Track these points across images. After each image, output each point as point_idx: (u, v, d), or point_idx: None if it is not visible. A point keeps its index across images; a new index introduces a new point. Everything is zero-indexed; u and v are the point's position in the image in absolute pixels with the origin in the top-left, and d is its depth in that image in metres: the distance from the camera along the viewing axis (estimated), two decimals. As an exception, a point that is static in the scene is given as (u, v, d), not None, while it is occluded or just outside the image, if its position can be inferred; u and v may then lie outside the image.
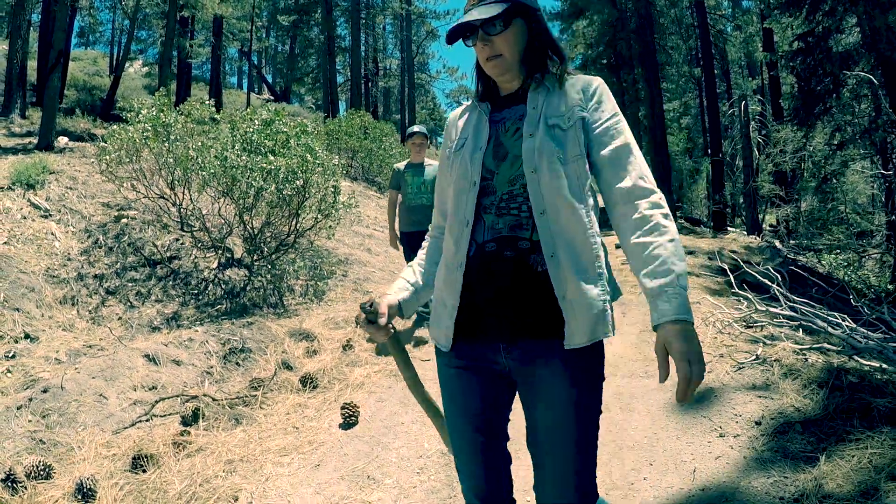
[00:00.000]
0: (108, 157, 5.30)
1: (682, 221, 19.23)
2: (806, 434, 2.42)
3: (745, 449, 2.37)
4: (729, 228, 17.62)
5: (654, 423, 2.75)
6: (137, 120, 5.24)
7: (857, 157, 12.23)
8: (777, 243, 12.37)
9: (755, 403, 2.69)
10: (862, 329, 3.24)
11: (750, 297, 3.88)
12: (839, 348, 2.97)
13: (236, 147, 5.02)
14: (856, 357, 2.87)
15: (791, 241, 12.67)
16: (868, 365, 2.82)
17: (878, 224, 12.03)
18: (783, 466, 2.21)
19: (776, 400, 2.70)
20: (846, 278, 10.94)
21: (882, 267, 11.53)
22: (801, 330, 3.51)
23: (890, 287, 10.60)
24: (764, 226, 16.36)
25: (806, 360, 3.08)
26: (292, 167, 5.03)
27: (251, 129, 5.05)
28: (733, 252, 9.18)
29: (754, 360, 3.18)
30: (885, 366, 2.71)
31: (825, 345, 3.09)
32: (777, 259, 8.83)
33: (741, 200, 15.52)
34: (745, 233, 14.42)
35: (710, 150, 17.84)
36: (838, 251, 12.03)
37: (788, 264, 8.75)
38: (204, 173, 4.89)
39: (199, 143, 4.87)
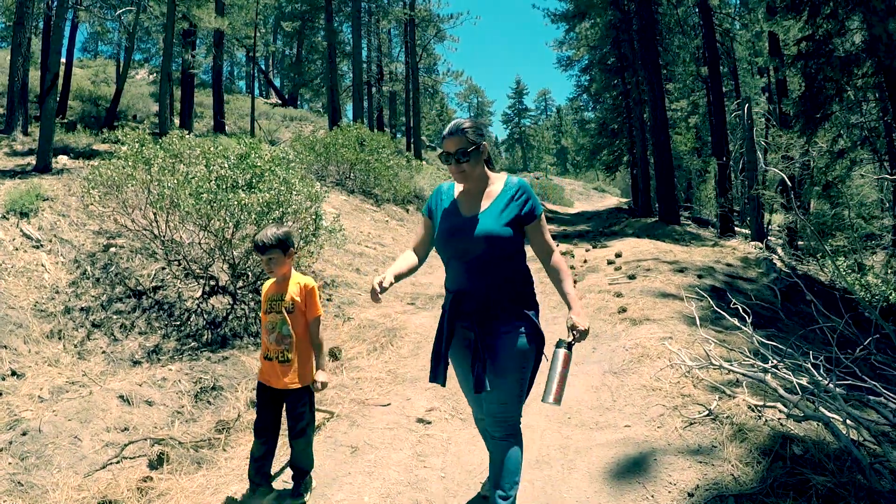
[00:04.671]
0: (92, 191, 5.40)
1: (689, 223, 19.02)
2: (737, 508, 2.40)
3: (672, 525, 2.36)
4: (736, 230, 17.38)
5: (591, 484, 2.75)
6: (118, 156, 5.34)
7: (863, 160, 11.98)
8: (779, 250, 12.17)
9: (694, 470, 2.67)
10: (824, 384, 3.18)
11: (711, 342, 3.84)
12: (788, 410, 2.94)
13: (212, 182, 5.08)
14: (804, 422, 2.84)
15: (792, 250, 12.44)
16: (816, 432, 2.78)
17: (885, 227, 11.78)
18: (704, 549, 2.20)
19: (716, 467, 2.68)
20: (850, 286, 10.72)
21: (888, 271, 11.28)
22: (760, 381, 3.47)
23: (894, 296, 10.37)
24: (772, 226, 16.10)
25: (759, 417, 3.05)
26: (267, 201, 5.08)
27: (226, 165, 5.10)
28: (729, 265, 9.06)
29: (707, 415, 3.15)
30: (830, 436, 2.67)
31: (778, 404, 3.05)
32: (772, 274, 8.69)
33: (746, 203, 15.29)
34: (749, 238, 14.20)
35: (716, 151, 17.57)
36: (843, 257, 11.80)
37: (784, 279, 8.61)
38: (180, 210, 4.97)
39: (176, 181, 4.93)
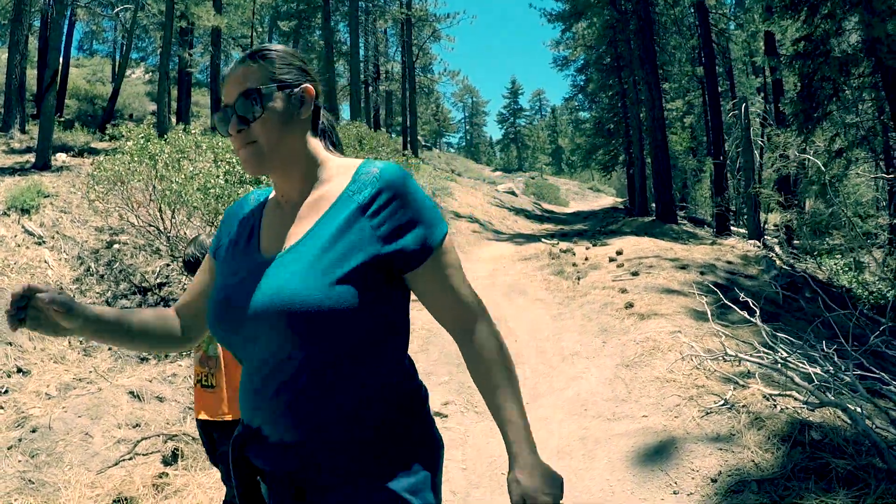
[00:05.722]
0: (96, 188, 5.38)
1: (686, 223, 19.14)
2: (761, 494, 2.42)
3: (697, 511, 2.39)
4: (733, 229, 17.53)
5: (613, 473, 2.77)
6: (123, 151, 5.32)
7: (859, 160, 12.12)
8: (777, 248, 12.27)
9: (715, 457, 2.70)
10: (836, 373, 3.22)
11: (722, 335, 3.87)
12: (804, 398, 2.97)
13: (219, 177, 5.07)
14: (821, 409, 2.87)
15: (790, 249, 12.56)
16: (833, 418, 2.82)
17: (881, 225, 11.93)
18: (731, 533, 2.22)
19: (736, 454, 2.70)
20: (847, 283, 10.86)
21: (884, 269, 11.42)
22: (775, 370, 3.50)
23: (891, 294, 10.50)
24: (768, 225, 16.26)
25: (775, 406, 3.08)
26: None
27: (234, 160, 5.09)
28: (729, 263, 9.12)
29: (722, 404, 3.18)
30: (846, 423, 2.71)
31: (794, 392, 3.09)
32: (773, 271, 8.77)
33: (743, 202, 15.43)
34: (746, 236, 14.32)
35: (712, 151, 17.71)
36: (840, 256, 11.93)
37: (785, 275, 8.69)
38: (188, 205, 4.95)
39: (183, 176, 4.92)
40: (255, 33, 21.54)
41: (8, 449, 3.83)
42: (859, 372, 3.29)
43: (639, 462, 2.81)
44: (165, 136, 5.58)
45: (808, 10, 10.37)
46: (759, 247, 11.31)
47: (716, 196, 16.92)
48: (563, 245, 11.34)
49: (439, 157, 33.32)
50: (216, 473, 3.60)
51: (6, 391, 4.56)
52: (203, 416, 2.31)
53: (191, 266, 2.38)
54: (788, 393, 3.11)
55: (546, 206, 27.81)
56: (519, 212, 21.69)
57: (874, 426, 2.82)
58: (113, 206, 5.66)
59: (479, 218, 16.70)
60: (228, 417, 2.27)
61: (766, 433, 2.80)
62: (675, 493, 2.53)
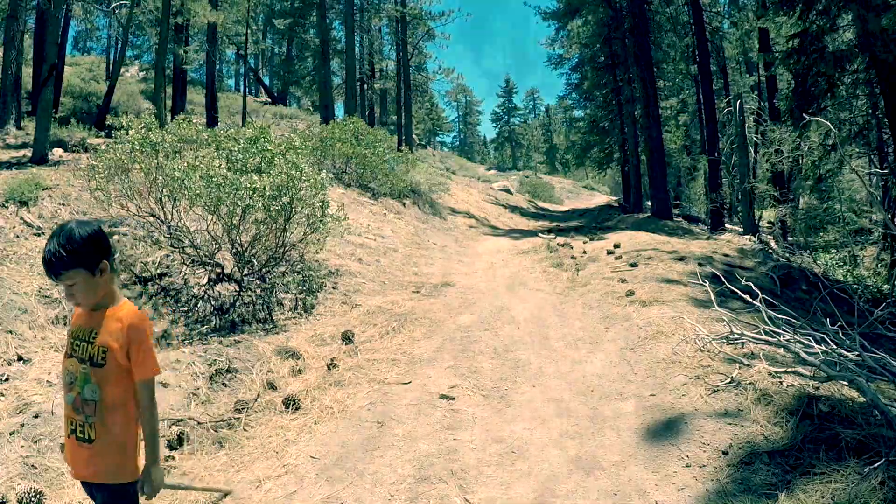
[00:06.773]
0: (98, 176, 5.35)
1: (681, 220, 19.23)
2: (772, 465, 2.45)
3: (709, 481, 2.41)
4: (727, 226, 17.62)
5: (625, 448, 2.79)
6: (125, 140, 5.29)
7: (853, 155, 12.22)
8: (772, 243, 12.37)
9: (725, 431, 2.72)
10: (841, 350, 3.25)
11: (726, 319, 3.90)
12: (811, 374, 3.00)
13: (221, 167, 5.06)
14: (827, 384, 2.90)
15: (785, 243, 12.66)
16: (839, 394, 2.85)
17: (874, 221, 12.03)
18: (744, 501, 2.24)
19: (746, 428, 2.73)
20: (842, 278, 10.96)
21: (878, 264, 11.53)
22: (781, 346, 3.54)
23: (886, 287, 10.61)
24: (762, 222, 16.38)
25: (781, 383, 3.11)
26: (278, 185, 5.07)
27: (236, 149, 5.08)
28: (726, 255, 9.18)
29: (729, 382, 3.21)
30: (855, 395, 2.74)
31: (799, 368, 3.12)
32: (769, 263, 8.83)
33: (737, 199, 15.53)
34: (741, 232, 14.41)
35: (707, 148, 17.80)
36: (834, 250, 12.04)
37: (781, 267, 8.76)
38: (190, 193, 4.94)
39: (185, 164, 4.90)
40: (249, 31, 21.48)
41: (10, 434, 3.79)
42: (859, 352, 3.33)
43: (649, 437, 2.83)
44: (167, 127, 5.56)
45: (803, 7, 10.45)
46: (754, 241, 11.39)
47: (710, 193, 17.01)
48: (561, 240, 11.37)
49: (433, 156, 33.32)
50: (222, 457, 3.58)
51: (7, 379, 4.51)
52: (86, 479, 1.78)
53: (50, 269, 1.64)
54: (794, 369, 3.14)
55: (541, 203, 27.89)
56: (514, 209, 21.73)
57: (881, 399, 2.86)
58: (114, 197, 5.63)
59: (475, 214, 16.72)
60: (107, 481, 1.78)
61: (774, 408, 2.83)
62: (687, 465, 2.55)
